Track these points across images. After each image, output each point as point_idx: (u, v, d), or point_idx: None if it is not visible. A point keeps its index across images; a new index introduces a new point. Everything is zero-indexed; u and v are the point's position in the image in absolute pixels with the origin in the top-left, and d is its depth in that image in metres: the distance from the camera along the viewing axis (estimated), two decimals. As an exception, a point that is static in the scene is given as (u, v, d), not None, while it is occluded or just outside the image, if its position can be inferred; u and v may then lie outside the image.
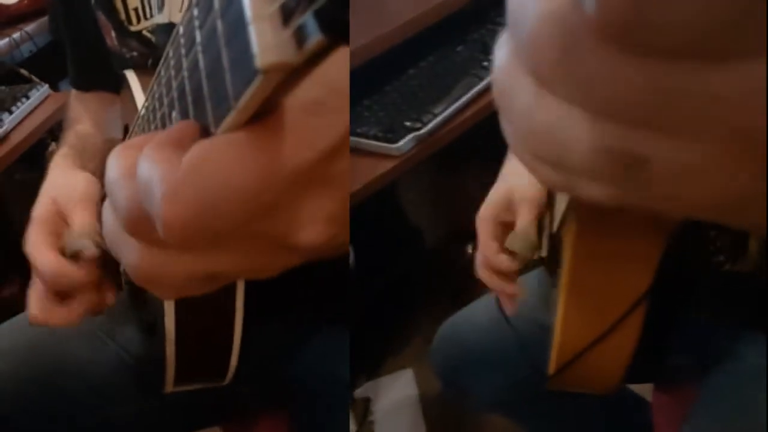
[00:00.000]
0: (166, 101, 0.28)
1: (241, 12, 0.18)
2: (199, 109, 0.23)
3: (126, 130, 0.57)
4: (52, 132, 1.24)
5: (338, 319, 0.67)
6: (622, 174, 0.17)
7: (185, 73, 0.24)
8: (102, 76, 0.69)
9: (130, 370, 0.67)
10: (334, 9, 0.16)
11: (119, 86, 0.61)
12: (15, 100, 1.20)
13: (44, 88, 1.26)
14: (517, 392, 0.76)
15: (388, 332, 1.46)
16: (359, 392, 1.35)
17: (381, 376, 1.40)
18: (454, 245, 1.54)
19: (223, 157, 0.20)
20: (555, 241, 0.61)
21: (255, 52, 0.18)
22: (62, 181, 0.55)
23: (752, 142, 0.15)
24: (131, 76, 0.57)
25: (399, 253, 1.50)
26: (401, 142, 1.00)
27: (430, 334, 0.86)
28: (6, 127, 1.14)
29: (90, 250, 0.47)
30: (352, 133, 1.04)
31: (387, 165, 1.00)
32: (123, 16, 0.62)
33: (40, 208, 0.53)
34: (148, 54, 0.62)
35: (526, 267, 0.60)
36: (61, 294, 0.49)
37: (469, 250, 1.53)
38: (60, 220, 0.52)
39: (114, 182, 0.23)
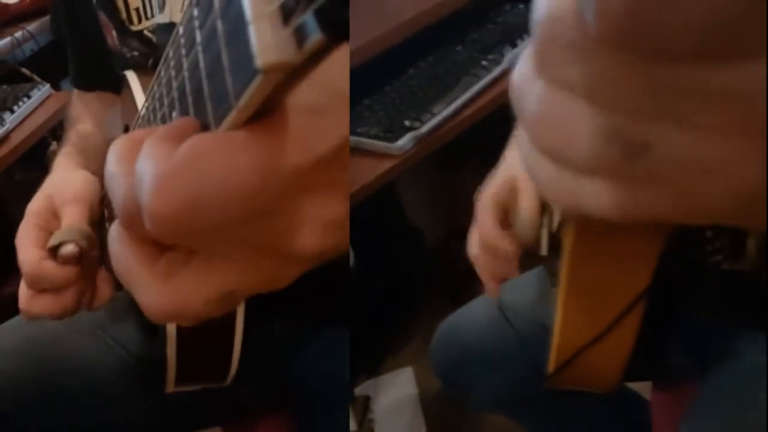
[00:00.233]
0: (166, 101, 0.28)
1: (241, 11, 0.18)
2: (199, 109, 0.23)
3: (126, 131, 0.57)
4: (54, 131, 1.24)
5: (338, 319, 0.67)
6: (624, 164, 0.17)
7: (186, 73, 0.24)
8: (103, 76, 0.69)
9: (131, 371, 0.67)
10: (334, 8, 0.16)
11: (120, 86, 0.62)
12: (16, 99, 1.20)
13: (46, 88, 1.26)
14: (516, 392, 0.76)
15: (388, 331, 1.46)
16: (359, 391, 1.35)
17: (381, 375, 1.40)
18: (454, 245, 1.54)
19: (217, 153, 0.20)
20: (554, 241, 0.61)
21: (255, 52, 0.18)
22: (60, 179, 0.55)
23: (757, 140, 0.15)
24: (131, 76, 0.57)
25: (399, 253, 1.50)
26: (401, 142, 1.00)
27: (430, 333, 0.86)
28: (7, 126, 1.14)
29: (71, 249, 0.46)
30: (352, 132, 1.04)
31: (386, 164, 1.00)
32: (124, 15, 0.62)
33: (34, 204, 0.53)
34: (149, 54, 0.62)
35: (524, 260, 0.59)
36: (42, 290, 0.49)
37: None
38: (51, 217, 0.51)
39: (112, 174, 0.23)
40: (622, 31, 0.14)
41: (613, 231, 0.47)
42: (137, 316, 0.66)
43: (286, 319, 0.67)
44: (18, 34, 1.40)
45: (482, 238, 0.58)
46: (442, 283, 1.49)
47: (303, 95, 0.20)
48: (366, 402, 1.34)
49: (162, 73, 0.28)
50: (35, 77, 1.36)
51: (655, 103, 0.15)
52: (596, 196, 0.18)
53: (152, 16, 0.61)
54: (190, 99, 0.24)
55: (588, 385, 0.56)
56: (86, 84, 0.74)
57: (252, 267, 0.23)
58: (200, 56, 0.22)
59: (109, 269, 0.52)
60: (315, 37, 0.17)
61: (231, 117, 0.20)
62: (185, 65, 0.24)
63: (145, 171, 0.21)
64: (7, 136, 1.14)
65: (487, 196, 0.59)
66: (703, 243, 0.57)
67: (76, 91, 0.76)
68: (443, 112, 1.03)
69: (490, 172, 0.61)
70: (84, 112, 0.71)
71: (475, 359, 0.79)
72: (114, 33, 0.64)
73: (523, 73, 0.19)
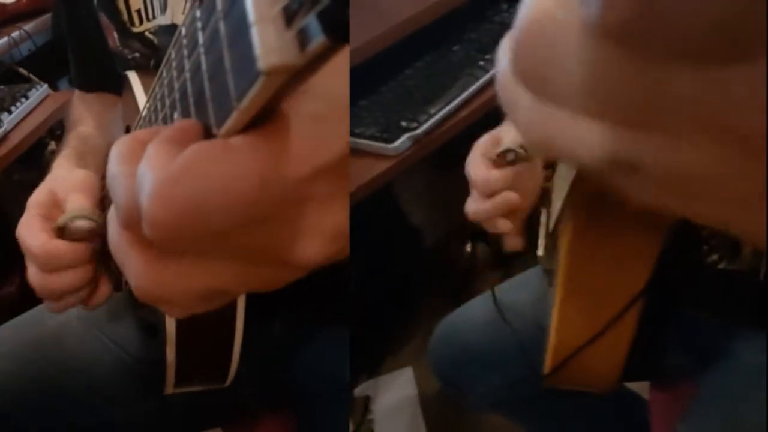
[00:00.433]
0: (167, 102, 0.28)
1: (244, 13, 0.18)
2: (201, 111, 0.23)
3: (128, 131, 0.57)
4: (52, 132, 1.24)
5: (338, 320, 0.67)
6: (618, 177, 0.17)
7: (187, 75, 0.24)
8: (104, 78, 0.69)
9: (131, 372, 0.67)
10: (336, 10, 0.16)
11: (122, 87, 0.61)
12: (14, 99, 1.20)
13: (43, 88, 1.25)
14: (515, 392, 0.76)
15: (387, 331, 1.46)
16: (359, 391, 1.35)
17: (380, 375, 1.40)
18: (453, 244, 1.54)
19: (217, 160, 0.20)
20: (552, 240, 0.61)
21: (258, 54, 0.18)
22: (61, 175, 0.55)
23: (756, 146, 0.15)
24: (133, 77, 0.57)
25: (398, 253, 1.50)
26: (397, 142, 0.99)
27: (430, 334, 0.86)
28: (5, 126, 1.14)
29: (82, 225, 0.45)
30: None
31: (383, 165, 0.99)
32: (126, 17, 0.62)
33: (36, 196, 0.52)
34: (151, 55, 0.62)
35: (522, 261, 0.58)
36: (53, 271, 0.48)
37: (468, 249, 1.54)
38: (55, 208, 0.51)
39: (114, 174, 0.23)
40: (629, 24, 0.13)
41: (610, 231, 0.47)
42: (136, 316, 0.66)
43: (285, 320, 0.67)
44: (15, 34, 1.39)
45: (477, 185, 0.55)
46: (442, 283, 1.49)
47: (304, 103, 0.20)
48: (365, 402, 1.34)
49: (164, 74, 0.28)
50: (33, 77, 1.35)
51: (648, 111, 0.15)
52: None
53: (154, 17, 0.61)
54: (191, 100, 0.24)
55: (586, 385, 0.56)
56: (87, 85, 0.74)
57: (248, 270, 0.23)
58: (202, 58, 0.22)
59: (108, 268, 0.51)
60: (318, 39, 0.17)
61: (233, 119, 0.20)
62: (187, 66, 0.24)
63: (145, 176, 0.21)
64: (5, 136, 1.13)
65: (477, 142, 0.57)
66: (699, 242, 0.57)
67: (77, 92, 0.75)
68: (440, 112, 1.03)
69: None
70: (85, 113, 0.71)
71: (473, 359, 0.79)
72: (115, 34, 0.64)
73: (506, 77, 0.19)
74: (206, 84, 0.22)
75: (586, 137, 0.17)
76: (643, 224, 0.47)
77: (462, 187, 0.59)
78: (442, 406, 1.30)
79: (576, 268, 0.50)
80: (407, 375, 1.38)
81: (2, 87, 1.27)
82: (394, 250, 1.48)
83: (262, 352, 0.63)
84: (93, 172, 0.56)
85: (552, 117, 0.17)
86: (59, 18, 1.23)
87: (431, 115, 1.03)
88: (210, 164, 0.20)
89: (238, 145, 0.20)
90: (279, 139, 0.20)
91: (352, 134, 1.04)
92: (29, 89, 1.23)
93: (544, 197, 0.61)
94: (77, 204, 0.49)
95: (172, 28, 0.58)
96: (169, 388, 0.52)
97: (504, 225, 0.54)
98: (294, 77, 0.19)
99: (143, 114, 0.36)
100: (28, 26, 1.43)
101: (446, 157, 1.19)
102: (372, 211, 1.08)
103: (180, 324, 0.48)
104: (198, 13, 0.22)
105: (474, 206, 0.55)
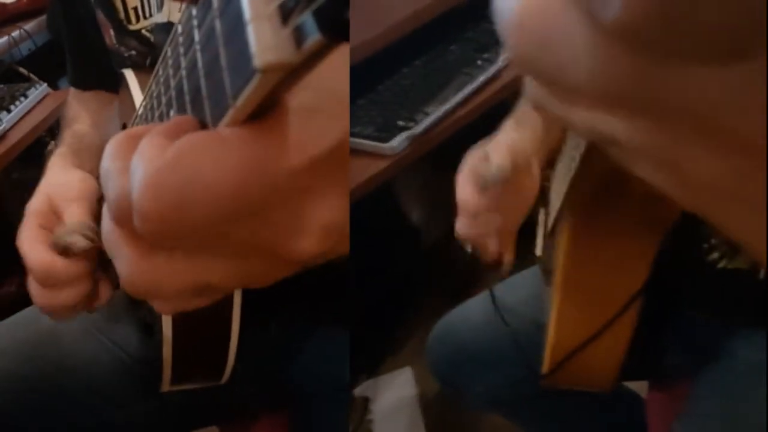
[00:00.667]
0: (164, 100, 0.28)
1: (240, 11, 0.18)
2: (197, 108, 0.23)
3: (124, 129, 0.57)
4: (51, 131, 1.24)
5: (335, 319, 0.67)
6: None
7: (183, 72, 0.24)
8: (101, 75, 0.69)
9: (129, 371, 0.67)
10: (333, 8, 0.16)
11: (118, 85, 0.61)
12: (13, 98, 1.20)
13: (43, 87, 1.26)
14: (513, 391, 0.76)
15: (387, 331, 1.46)
16: (358, 391, 1.35)
17: (380, 375, 1.40)
18: (452, 244, 1.54)
19: (209, 150, 0.20)
20: (550, 239, 0.61)
21: (253, 52, 0.18)
22: (59, 180, 0.55)
23: (756, 147, 0.15)
24: (129, 75, 0.57)
25: (397, 253, 1.50)
26: (394, 142, 0.99)
27: (429, 334, 0.86)
28: (4, 125, 1.14)
29: (79, 244, 0.46)
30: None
31: (380, 165, 0.99)
32: (122, 15, 0.62)
33: (34, 204, 0.52)
34: (147, 53, 0.62)
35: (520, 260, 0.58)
36: (52, 287, 0.49)
37: (468, 248, 1.53)
38: (53, 216, 0.51)
39: (107, 170, 0.23)
40: (646, 24, 0.13)
41: (608, 230, 0.47)
42: (134, 316, 0.66)
43: (282, 319, 0.67)
44: (15, 33, 1.40)
45: (461, 205, 0.56)
46: (441, 283, 1.49)
47: (299, 98, 0.20)
48: (365, 403, 1.33)
49: (160, 72, 0.28)
50: (32, 76, 1.35)
51: (653, 109, 0.15)
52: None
53: (150, 15, 0.61)
54: (187, 98, 0.24)
55: (584, 385, 0.56)
56: (83, 83, 0.74)
57: (240, 265, 0.22)
58: (198, 55, 0.22)
59: (108, 269, 0.51)
60: (314, 37, 0.17)
61: (228, 116, 0.20)
62: (183, 64, 0.24)
63: (137, 168, 0.21)
64: (4, 135, 1.14)
65: (465, 168, 0.58)
66: (699, 241, 0.57)
67: (72, 90, 0.75)
68: (437, 111, 1.03)
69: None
70: (81, 111, 0.71)
71: (470, 358, 0.79)
72: (112, 32, 0.64)
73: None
74: (202, 82, 0.22)
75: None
76: (642, 224, 0.47)
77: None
78: (442, 406, 1.30)
79: (575, 267, 0.50)
80: (407, 375, 1.38)
81: (2, 86, 1.27)
82: (393, 250, 1.48)
83: (258, 351, 0.63)
84: (89, 170, 0.56)
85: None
86: (55, 16, 1.23)
87: (428, 115, 1.02)
88: (202, 154, 0.20)
89: (231, 135, 0.20)
90: (273, 130, 0.20)
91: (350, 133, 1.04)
92: (28, 88, 1.24)
93: (543, 197, 0.61)
94: (75, 218, 0.49)
95: (168, 25, 0.58)
96: (166, 386, 0.52)
97: (491, 245, 0.56)
98: (290, 75, 0.19)
99: (139, 112, 0.36)
100: (29, 26, 1.43)
101: (445, 156, 1.19)
102: (371, 211, 1.08)
103: (177, 322, 0.48)
104: (194, 11, 0.22)
105: (460, 225, 0.57)
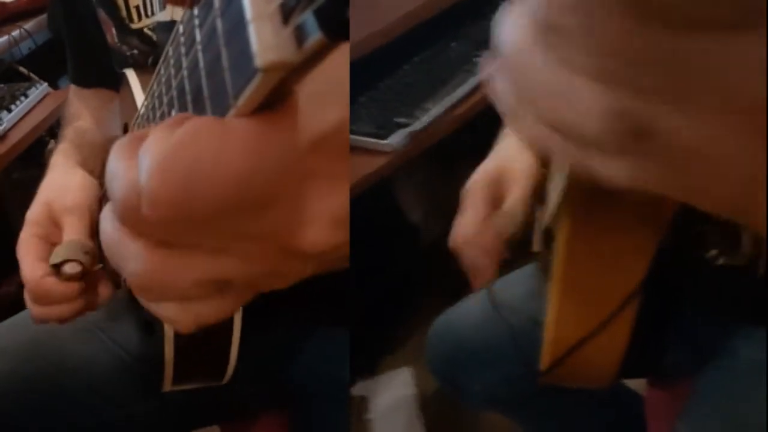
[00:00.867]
0: (165, 100, 0.28)
1: (241, 11, 0.18)
2: (198, 108, 0.23)
3: (126, 129, 0.57)
4: (52, 130, 1.24)
5: (336, 320, 0.67)
6: (630, 144, 0.17)
7: (185, 72, 0.24)
8: (102, 74, 0.69)
9: (129, 370, 0.67)
10: (334, 8, 0.16)
11: (119, 83, 0.61)
12: (14, 98, 1.20)
13: (43, 86, 1.26)
14: (512, 389, 0.76)
15: (385, 331, 1.46)
16: (356, 391, 1.35)
17: (379, 375, 1.40)
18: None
19: (215, 132, 0.20)
20: (548, 236, 0.61)
21: (255, 51, 0.18)
22: (58, 183, 0.55)
23: (759, 123, 0.15)
24: (131, 74, 0.57)
25: (396, 252, 1.50)
26: (393, 139, 0.99)
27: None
28: (5, 125, 1.14)
29: (71, 271, 0.47)
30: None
31: (379, 161, 0.99)
32: (124, 13, 0.62)
33: (33, 212, 0.53)
34: (149, 52, 0.62)
35: (511, 252, 0.59)
36: (43, 305, 0.50)
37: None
38: (51, 226, 0.52)
39: (113, 171, 0.23)
40: None
41: (607, 226, 0.47)
42: (134, 315, 0.66)
43: (284, 319, 0.67)
44: (15, 32, 1.40)
45: (464, 230, 0.57)
46: (441, 282, 1.49)
47: (302, 84, 0.20)
48: (363, 402, 1.33)
49: (162, 72, 0.28)
50: (33, 76, 1.35)
51: (660, 79, 0.15)
52: (606, 166, 0.18)
53: (153, 14, 0.61)
54: (189, 98, 0.24)
55: (583, 382, 0.55)
56: (84, 81, 0.74)
57: (253, 259, 0.22)
58: (200, 55, 0.22)
59: (108, 269, 0.52)
60: (315, 36, 0.17)
61: (230, 116, 0.20)
62: (185, 64, 0.24)
63: (145, 157, 0.21)
64: (4, 134, 1.14)
65: (474, 188, 0.58)
66: (698, 238, 0.57)
67: (73, 88, 0.75)
68: (437, 108, 1.02)
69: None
70: (82, 109, 0.71)
71: (469, 356, 0.79)
72: (113, 31, 0.64)
73: (520, 39, 0.19)
74: (204, 81, 0.22)
75: (596, 103, 0.17)
76: (641, 220, 0.46)
77: (460, 184, 0.59)
78: (441, 405, 1.30)
79: (573, 264, 0.50)
80: (405, 374, 1.38)
81: (2, 86, 1.27)
82: (392, 249, 1.48)
83: (260, 351, 0.63)
84: (91, 166, 0.56)
85: (565, 76, 0.17)
86: (56, 14, 1.23)
87: (428, 111, 1.02)
88: (208, 135, 0.20)
89: (233, 120, 0.20)
90: (276, 113, 0.20)
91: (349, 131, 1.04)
92: (29, 87, 1.24)
93: (540, 192, 0.61)
94: (73, 234, 0.50)
95: (170, 24, 0.58)
96: (167, 386, 0.52)
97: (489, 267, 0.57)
98: (291, 74, 0.19)
99: (141, 112, 0.36)
100: (29, 25, 1.43)
101: (445, 154, 1.19)
102: (370, 209, 1.08)
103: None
104: (195, 11, 0.22)
105: (457, 242, 0.58)
